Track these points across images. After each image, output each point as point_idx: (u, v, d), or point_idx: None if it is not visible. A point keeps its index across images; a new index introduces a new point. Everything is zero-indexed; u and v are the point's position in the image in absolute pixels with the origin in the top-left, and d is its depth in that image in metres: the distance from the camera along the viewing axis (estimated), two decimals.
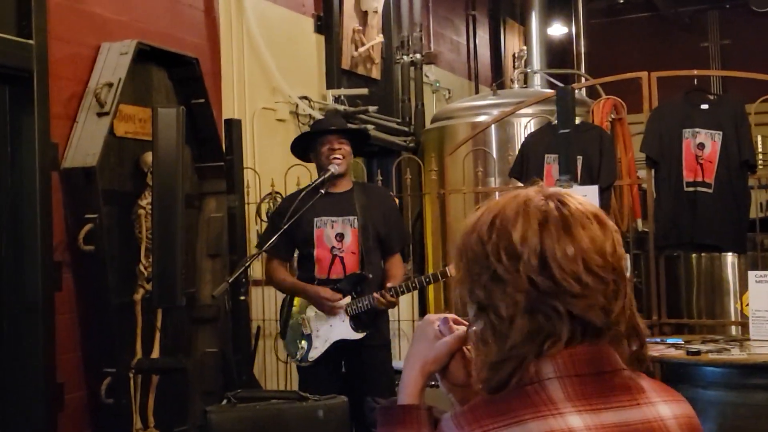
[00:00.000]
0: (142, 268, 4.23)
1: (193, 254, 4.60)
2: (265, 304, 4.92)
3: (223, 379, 4.52)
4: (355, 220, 3.63)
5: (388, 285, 3.58)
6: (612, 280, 1.11)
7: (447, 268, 3.60)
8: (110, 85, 4.10)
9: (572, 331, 1.10)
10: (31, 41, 3.81)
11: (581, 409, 1.06)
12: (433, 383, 1.30)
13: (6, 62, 3.73)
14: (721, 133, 4.54)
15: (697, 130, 4.58)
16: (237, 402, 1.87)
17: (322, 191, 3.53)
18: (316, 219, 3.64)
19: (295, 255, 4.00)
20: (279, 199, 5.00)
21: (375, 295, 3.53)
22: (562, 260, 1.10)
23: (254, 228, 5.09)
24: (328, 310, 3.57)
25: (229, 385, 4.37)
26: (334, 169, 3.60)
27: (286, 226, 3.46)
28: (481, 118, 6.21)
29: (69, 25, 4.10)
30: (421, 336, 1.29)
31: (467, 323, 1.22)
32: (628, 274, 1.20)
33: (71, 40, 4.12)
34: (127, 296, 4.18)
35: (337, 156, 3.63)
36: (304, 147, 3.96)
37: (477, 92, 8.52)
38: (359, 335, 3.58)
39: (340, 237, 3.64)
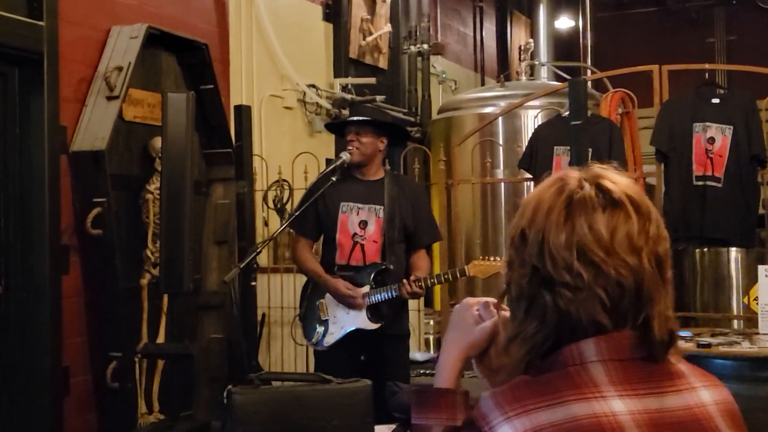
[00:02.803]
0: (148, 253, 4.22)
1: (199, 241, 4.59)
2: (270, 291, 4.91)
3: (229, 366, 4.52)
4: (381, 210, 3.61)
5: (416, 275, 3.56)
6: (621, 272, 1.07)
7: (466, 267, 3.58)
8: (120, 69, 4.08)
9: (580, 322, 1.08)
10: (41, 23, 3.79)
11: (624, 393, 1.06)
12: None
13: (16, 44, 3.71)
14: (731, 127, 4.53)
15: (707, 124, 4.56)
16: (260, 383, 1.86)
17: (333, 178, 3.52)
18: (342, 204, 3.62)
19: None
20: (286, 187, 4.99)
21: (404, 282, 3.51)
22: (555, 248, 1.08)
23: (261, 215, 5.08)
24: (350, 304, 3.56)
25: (234, 371, 4.37)
26: (345, 156, 3.58)
27: (306, 205, 3.45)
28: (488, 110, 6.20)
29: (79, 8, 4.08)
30: (459, 320, 1.28)
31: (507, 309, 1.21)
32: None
33: (81, 22, 4.10)
34: (133, 281, 4.17)
35: (350, 147, 3.62)
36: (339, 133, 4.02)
37: (483, 84, 8.51)
38: (375, 326, 3.56)
39: (363, 224, 3.62)
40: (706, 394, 1.12)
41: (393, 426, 2.00)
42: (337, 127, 4.01)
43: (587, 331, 1.08)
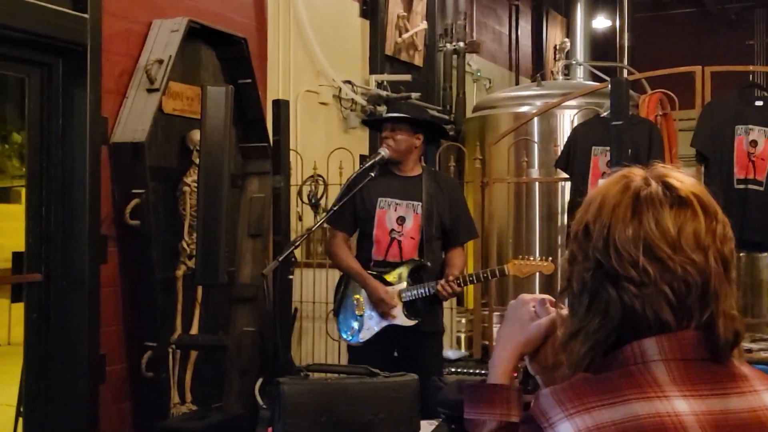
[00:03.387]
0: (184, 244, 4.26)
1: (234, 233, 4.62)
2: (303, 285, 4.93)
3: (260, 359, 4.55)
4: (419, 206, 3.61)
5: (454, 274, 3.56)
6: (687, 269, 1.07)
7: (506, 267, 3.57)
8: (160, 61, 4.12)
9: (646, 318, 1.08)
10: (85, 15, 3.83)
11: (687, 394, 1.05)
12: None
13: (61, 35, 3.76)
14: None
15: (750, 126, 4.51)
16: (308, 374, 1.88)
17: (372, 174, 3.52)
18: (380, 199, 3.63)
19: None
20: (321, 182, 5.00)
21: (441, 283, 3.51)
22: (621, 243, 1.08)
23: (295, 210, 5.10)
24: (381, 311, 3.57)
25: (266, 364, 4.39)
26: (383, 152, 3.59)
27: (344, 199, 3.46)
28: (524, 109, 6.17)
29: (122, 1, 4.12)
30: (514, 316, 1.28)
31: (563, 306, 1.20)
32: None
33: (124, 15, 4.14)
34: (169, 272, 4.21)
35: (386, 142, 3.63)
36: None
37: (517, 83, 8.47)
38: (411, 322, 3.57)
39: (401, 220, 3.62)
40: None
41: (436, 421, 2.01)
42: (374, 124, 4.02)
43: (651, 328, 1.08)
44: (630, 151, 4.18)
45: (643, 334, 1.08)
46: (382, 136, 3.69)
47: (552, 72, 7.20)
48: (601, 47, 9.08)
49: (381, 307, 3.55)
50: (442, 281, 3.53)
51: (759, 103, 4.56)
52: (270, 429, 1.89)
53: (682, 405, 1.03)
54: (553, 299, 1.25)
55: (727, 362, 1.11)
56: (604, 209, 1.11)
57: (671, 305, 1.07)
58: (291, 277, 4.06)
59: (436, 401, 1.70)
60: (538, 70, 8.30)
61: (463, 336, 5.35)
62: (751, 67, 4.88)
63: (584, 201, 1.17)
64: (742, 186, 4.50)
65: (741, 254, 5.30)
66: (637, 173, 1.14)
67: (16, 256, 3.87)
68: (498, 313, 5.03)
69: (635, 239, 1.08)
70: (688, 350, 1.08)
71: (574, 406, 1.03)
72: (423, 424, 1.98)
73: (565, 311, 1.18)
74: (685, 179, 1.13)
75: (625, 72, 7.64)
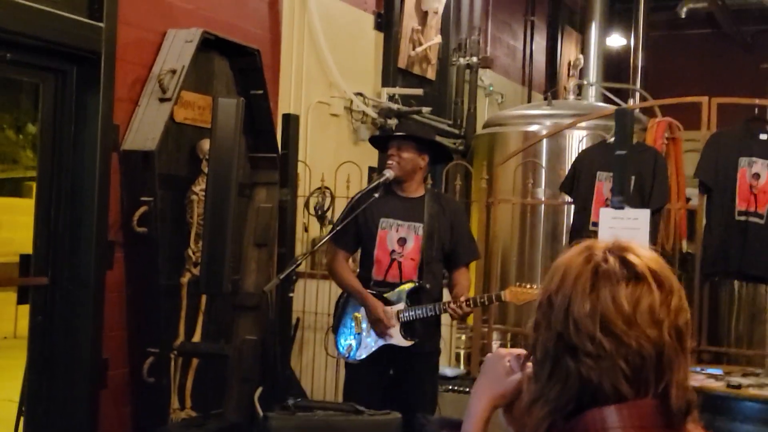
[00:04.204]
0: (190, 252, 4.31)
1: (240, 242, 4.67)
2: (306, 296, 4.98)
3: (261, 368, 4.59)
4: (421, 228, 3.65)
5: (466, 295, 3.60)
6: (642, 344, 1.11)
7: (502, 293, 3.60)
8: (173, 71, 4.17)
9: (601, 389, 1.12)
10: (101, 24, 3.89)
11: None
12: None
13: (76, 43, 3.82)
14: None
15: (754, 159, 4.54)
16: (296, 410, 1.92)
17: (377, 195, 3.56)
18: (382, 219, 3.66)
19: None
20: (328, 195, 5.05)
21: (452, 303, 3.55)
22: (579, 317, 1.13)
23: (301, 221, 5.15)
24: (378, 331, 3.61)
25: (267, 373, 4.44)
26: (388, 173, 3.62)
27: (348, 219, 3.49)
28: (533, 128, 6.20)
29: (138, 10, 4.17)
30: (490, 369, 1.33)
31: None
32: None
33: (139, 24, 4.20)
34: (174, 279, 4.26)
35: (390, 162, 3.66)
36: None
37: (530, 99, 8.50)
38: (408, 343, 3.60)
39: (402, 242, 3.66)
40: None
41: None
42: (380, 142, 4.06)
43: (609, 398, 1.12)
44: (634, 178, 4.21)
45: (602, 403, 1.12)
46: (387, 154, 3.72)
47: (565, 89, 7.22)
48: (615, 65, 9.10)
49: (378, 327, 3.59)
50: (454, 304, 3.55)
51: (764, 136, 4.58)
52: None
53: None
54: (528, 354, 1.29)
55: (683, 430, 1.15)
56: (566, 281, 1.17)
57: (627, 378, 1.12)
58: (291, 294, 4.10)
59: None
60: (552, 86, 8.33)
61: (462, 353, 5.38)
62: (757, 101, 4.88)
63: (550, 269, 1.22)
64: (743, 218, 4.52)
65: (744, 283, 5.31)
66: (599, 246, 1.19)
67: (23, 259, 3.92)
68: (497, 332, 5.07)
69: (592, 314, 1.13)
70: (646, 419, 1.12)
71: None
72: None
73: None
74: (643, 254, 1.18)
75: (637, 95, 7.66)
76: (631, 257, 1.16)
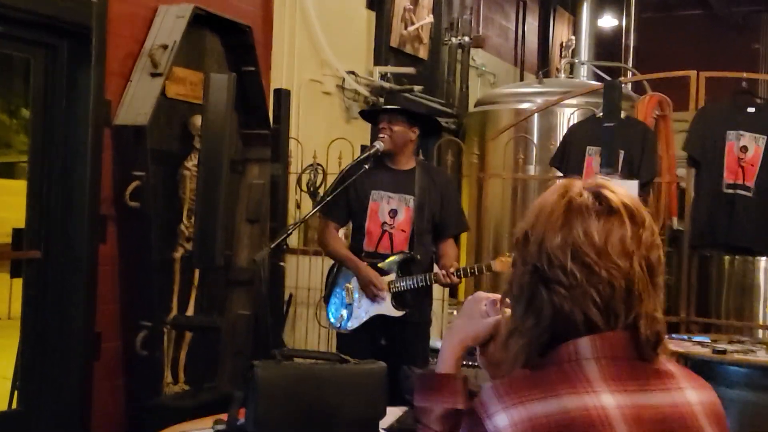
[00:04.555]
0: (183, 227, 4.34)
1: (232, 218, 4.70)
2: (299, 272, 5.01)
3: (254, 341, 4.63)
4: (411, 200, 3.68)
5: (455, 265, 3.64)
6: (612, 273, 1.15)
7: (492, 262, 3.64)
8: (165, 47, 4.18)
9: (581, 320, 1.15)
10: None
11: (615, 389, 1.13)
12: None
13: (66, 17, 3.82)
14: (765, 137, 4.53)
15: (741, 132, 4.58)
16: (282, 359, 1.97)
17: (366, 166, 3.58)
18: (373, 192, 3.69)
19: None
20: (320, 171, 5.07)
21: (442, 273, 3.58)
22: (552, 249, 1.17)
23: (293, 197, 5.18)
24: (371, 295, 3.65)
25: (259, 347, 4.48)
26: (379, 145, 3.65)
27: (338, 190, 3.52)
28: (525, 106, 6.23)
29: None
30: (467, 311, 1.37)
31: None
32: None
33: None
34: (167, 254, 4.29)
35: (382, 135, 3.69)
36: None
37: (522, 79, 8.52)
38: (399, 313, 3.64)
39: (393, 213, 3.69)
40: (692, 395, 1.19)
41: (405, 408, 2.09)
42: (371, 115, 4.08)
43: (580, 328, 1.16)
44: (623, 152, 4.24)
45: (574, 334, 1.16)
46: (378, 128, 3.74)
47: (557, 69, 7.25)
48: (607, 46, 9.12)
49: (370, 290, 3.63)
50: (443, 271, 3.59)
51: (751, 109, 4.62)
52: (242, 410, 1.97)
53: (608, 400, 1.12)
54: (506, 299, 1.32)
55: (655, 360, 1.19)
56: (540, 217, 1.21)
57: (597, 306, 1.15)
58: (282, 264, 4.13)
59: (404, 389, 1.78)
60: (544, 67, 8.35)
61: None
62: (745, 74, 4.91)
63: (529, 209, 1.25)
64: (730, 191, 4.56)
65: (734, 257, 5.36)
66: (576, 184, 1.23)
67: (16, 233, 3.95)
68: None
69: (564, 246, 1.16)
70: (618, 349, 1.16)
71: (510, 398, 1.11)
72: (392, 410, 2.06)
73: (508, 313, 1.26)
74: (618, 190, 1.22)
75: (630, 73, 7.68)
76: (606, 192, 1.20)
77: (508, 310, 1.27)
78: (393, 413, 2.07)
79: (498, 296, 1.34)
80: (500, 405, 1.11)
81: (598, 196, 1.19)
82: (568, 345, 1.16)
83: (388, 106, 3.89)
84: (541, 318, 1.17)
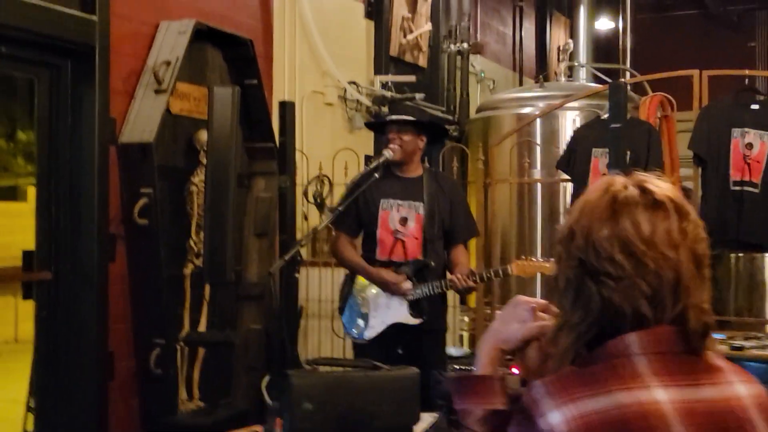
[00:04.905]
0: (192, 243, 4.33)
1: (240, 233, 4.69)
2: (308, 284, 5.00)
3: (267, 356, 4.61)
4: (421, 206, 3.69)
5: (470, 269, 3.63)
6: (660, 264, 1.15)
7: (509, 266, 3.63)
8: (168, 63, 4.18)
9: (630, 313, 1.15)
10: (94, 17, 3.90)
11: (666, 384, 1.13)
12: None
13: (69, 37, 3.82)
14: None
15: (746, 129, 4.58)
16: (316, 367, 1.97)
17: (377, 175, 3.59)
18: (382, 200, 3.70)
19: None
20: (326, 182, 5.07)
21: (457, 276, 3.58)
22: (599, 241, 1.17)
23: (300, 209, 5.17)
24: (394, 291, 3.64)
25: (272, 362, 4.46)
26: (387, 154, 3.65)
27: (348, 201, 3.52)
28: (527, 110, 6.23)
29: (130, 3, 4.18)
30: (505, 314, 1.38)
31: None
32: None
33: (132, 17, 4.20)
34: (176, 270, 4.28)
35: (392, 145, 3.70)
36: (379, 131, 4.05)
37: (521, 84, 8.53)
38: (416, 321, 3.64)
39: (404, 221, 3.69)
40: (742, 388, 1.19)
41: (436, 413, 2.09)
42: (377, 126, 4.08)
43: (628, 321, 1.16)
44: (629, 153, 4.24)
45: (623, 328, 1.16)
46: (387, 138, 3.74)
47: (555, 73, 7.26)
48: (604, 49, 9.14)
49: (391, 289, 3.63)
50: (458, 275, 3.59)
51: (755, 106, 4.62)
52: (278, 420, 1.97)
53: (661, 394, 1.11)
54: (549, 306, 1.32)
55: (703, 355, 1.19)
56: (585, 212, 1.21)
57: (646, 298, 1.15)
58: (297, 275, 4.12)
59: (435, 394, 1.77)
60: (542, 71, 8.35)
61: (465, 334, 5.42)
62: (747, 72, 4.92)
63: (571, 207, 1.25)
64: (737, 188, 4.56)
65: (740, 255, 5.36)
66: (618, 179, 1.23)
67: (26, 255, 3.93)
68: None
69: (611, 237, 1.16)
70: (667, 344, 1.16)
71: (562, 396, 1.11)
72: (423, 415, 2.06)
73: (552, 321, 1.26)
74: (661, 184, 1.22)
75: (627, 74, 7.69)
76: (650, 186, 1.20)
77: (547, 316, 1.27)
78: (424, 418, 2.06)
79: (539, 302, 1.34)
80: (553, 403, 1.10)
81: (643, 189, 1.20)
82: (616, 341, 1.16)
83: (397, 117, 3.89)
84: (589, 311, 1.17)
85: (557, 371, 1.17)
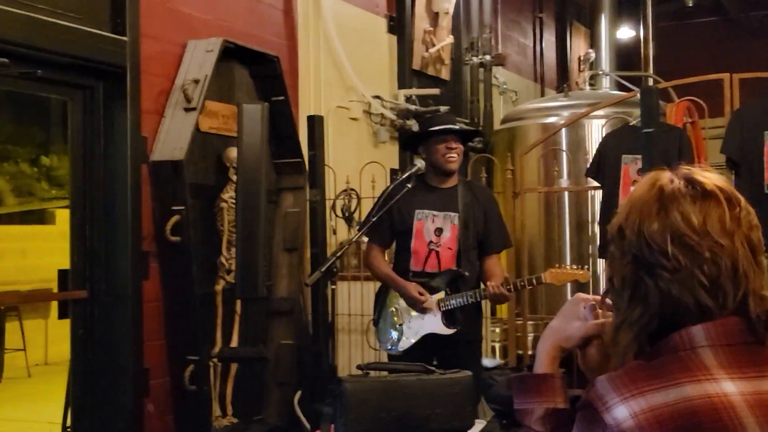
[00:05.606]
0: (223, 260, 4.35)
1: (270, 248, 4.70)
2: (339, 297, 5.00)
3: (298, 371, 4.61)
4: (456, 217, 3.68)
5: (504, 277, 3.63)
6: (716, 252, 1.13)
7: (543, 275, 3.61)
8: (197, 81, 4.22)
9: (694, 305, 1.14)
10: (124, 38, 3.95)
11: (734, 376, 1.11)
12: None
13: (101, 58, 3.87)
14: None
15: None
16: (368, 372, 1.96)
17: (409, 185, 3.58)
18: (417, 211, 3.70)
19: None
20: (354, 196, 5.08)
21: (492, 284, 3.57)
22: (650, 235, 1.16)
23: (329, 224, 5.17)
24: (419, 309, 3.64)
25: (304, 376, 4.46)
26: (420, 164, 3.63)
27: (382, 212, 3.51)
28: (551, 120, 6.22)
29: (159, 23, 4.23)
30: (565, 312, 1.37)
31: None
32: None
33: (161, 37, 4.25)
34: (208, 287, 4.30)
35: (453, 155, 3.70)
36: (415, 141, 4.02)
37: (543, 95, 8.53)
38: (450, 331, 3.63)
39: (439, 232, 3.69)
40: None
41: (485, 420, 2.07)
42: (415, 138, 4.07)
43: (690, 312, 1.15)
44: (660, 158, 4.21)
45: (685, 320, 1.15)
46: (447, 147, 3.69)
47: (576, 83, 7.25)
48: (625, 57, 9.11)
49: (416, 305, 3.62)
50: (493, 283, 3.57)
51: None
52: (332, 426, 1.96)
53: (729, 386, 1.10)
54: (604, 301, 1.31)
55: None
56: (633, 208, 1.20)
57: (705, 287, 1.14)
58: (333, 287, 4.13)
59: (487, 397, 1.76)
60: (563, 82, 8.34)
61: (497, 345, 5.39)
62: None
63: (619, 206, 1.25)
64: None
65: None
66: (664, 174, 1.23)
67: (62, 274, 3.97)
68: (531, 323, 5.07)
69: (663, 230, 1.16)
70: (733, 335, 1.14)
71: (629, 390, 1.10)
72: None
73: (611, 318, 1.24)
74: (709, 175, 1.21)
75: (651, 81, 7.67)
76: (698, 177, 1.20)
77: (609, 313, 1.26)
78: (475, 424, 2.05)
79: (597, 298, 1.33)
80: (618, 397, 1.09)
81: (691, 181, 1.19)
82: (680, 333, 1.14)
83: (457, 127, 3.86)
84: (648, 305, 1.16)
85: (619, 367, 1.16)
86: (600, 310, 1.32)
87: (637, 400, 1.08)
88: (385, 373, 2.00)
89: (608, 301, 1.28)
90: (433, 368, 1.97)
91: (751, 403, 1.09)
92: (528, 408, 1.31)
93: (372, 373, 1.93)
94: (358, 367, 1.99)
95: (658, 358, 1.14)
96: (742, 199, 1.20)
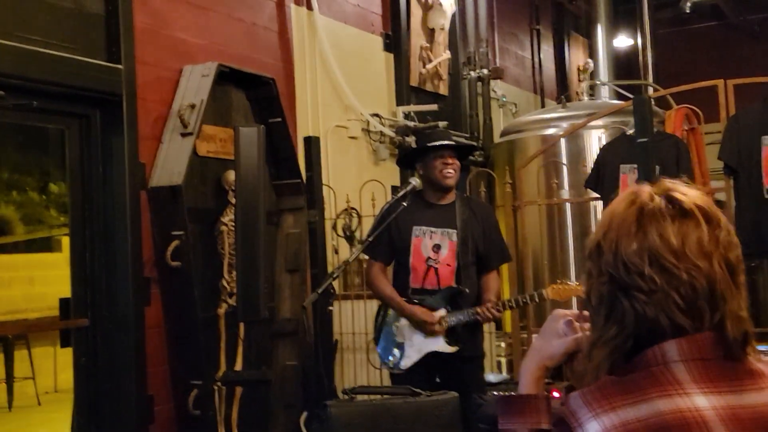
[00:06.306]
0: (224, 283, 4.35)
1: (271, 270, 4.70)
2: (342, 317, 4.99)
3: (304, 392, 4.60)
4: (455, 233, 3.67)
5: (492, 299, 3.61)
6: (693, 275, 1.13)
7: (544, 291, 3.60)
8: (193, 106, 4.24)
9: (668, 325, 1.13)
10: (120, 66, 3.97)
11: (706, 390, 1.11)
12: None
13: (97, 87, 3.90)
14: None
15: None
16: (354, 396, 1.95)
17: (404, 204, 3.58)
18: (415, 228, 3.70)
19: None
20: (354, 215, 5.09)
21: (479, 308, 3.56)
22: (627, 256, 1.15)
23: (330, 243, 5.18)
24: (428, 332, 3.62)
25: (309, 397, 4.45)
26: (415, 182, 3.64)
27: (379, 230, 3.51)
28: (550, 131, 6.22)
29: (154, 50, 4.26)
30: (545, 331, 1.36)
31: None
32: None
33: (156, 63, 4.27)
34: (210, 311, 4.29)
35: (450, 171, 3.70)
36: (411, 158, 4.02)
37: (543, 106, 8.53)
38: (452, 349, 3.62)
39: (437, 248, 3.68)
40: None
41: None
42: (411, 155, 4.07)
43: (666, 332, 1.14)
44: (658, 167, 4.21)
45: (661, 339, 1.14)
46: (444, 163, 3.70)
47: (577, 93, 7.25)
48: (624, 66, 9.11)
49: (425, 328, 3.60)
50: (482, 307, 3.57)
51: None
52: None
53: (701, 401, 1.10)
54: (581, 315, 1.30)
55: (744, 360, 1.16)
56: (612, 226, 1.19)
57: (681, 309, 1.14)
58: (331, 308, 4.13)
59: (476, 417, 1.75)
60: (563, 92, 8.35)
61: (503, 360, 5.37)
62: None
63: (600, 219, 1.24)
64: None
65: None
66: (644, 190, 1.22)
67: (63, 302, 3.98)
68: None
69: (640, 251, 1.15)
70: (705, 350, 1.14)
71: (601, 405, 1.10)
72: None
73: (588, 332, 1.24)
74: (689, 192, 1.20)
75: (650, 89, 7.66)
76: (677, 195, 1.19)
77: (587, 325, 1.26)
78: None
79: (575, 312, 1.33)
80: (591, 413, 1.09)
81: (670, 199, 1.18)
82: (653, 349, 1.14)
83: (451, 142, 3.84)
84: (624, 326, 1.16)
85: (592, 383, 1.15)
86: (577, 324, 1.32)
87: (609, 416, 1.08)
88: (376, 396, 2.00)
89: (585, 313, 1.28)
90: (419, 391, 1.96)
91: (724, 417, 1.09)
92: (512, 428, 1.30)
93: (360, 396, 1.93)
94: (343, 391, 1.98)
95: (632, 373, 1.14)
96: (723, 218, 1.20)
